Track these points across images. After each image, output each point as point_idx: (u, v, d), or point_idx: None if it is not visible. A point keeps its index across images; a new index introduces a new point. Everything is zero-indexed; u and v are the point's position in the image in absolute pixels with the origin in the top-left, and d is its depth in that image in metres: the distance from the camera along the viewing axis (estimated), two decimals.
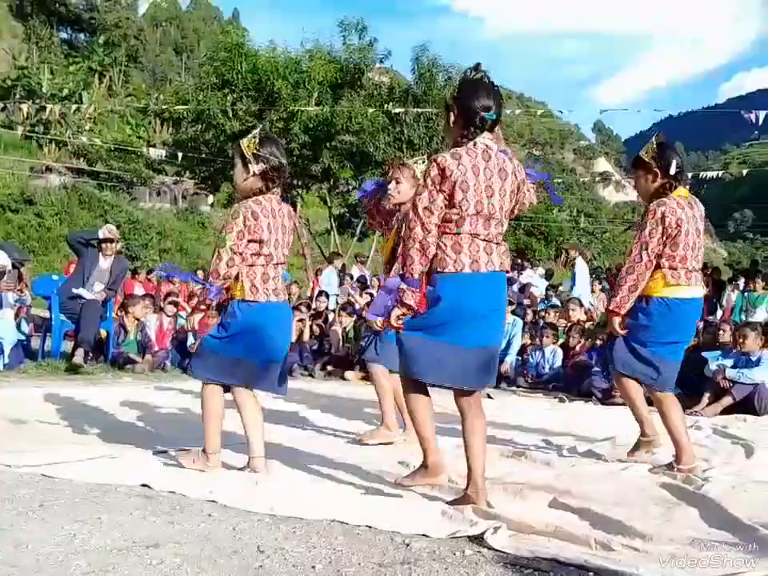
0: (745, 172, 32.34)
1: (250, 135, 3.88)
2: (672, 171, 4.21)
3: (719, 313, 12.68)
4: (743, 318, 11.33)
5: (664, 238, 4.18)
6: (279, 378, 3.96)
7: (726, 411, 6.85)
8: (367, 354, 5.16)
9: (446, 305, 3.21)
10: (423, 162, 4.92)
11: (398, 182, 4.75)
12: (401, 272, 3.28)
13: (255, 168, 3.80)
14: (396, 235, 4.70)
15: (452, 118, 3.34)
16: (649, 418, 4.59)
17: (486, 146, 3.27)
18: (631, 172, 4.49)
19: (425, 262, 3.20)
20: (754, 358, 7.17)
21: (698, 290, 4.36)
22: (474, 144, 3.25)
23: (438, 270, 3.22)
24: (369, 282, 14.59)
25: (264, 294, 3.79)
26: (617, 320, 4.34)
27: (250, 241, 3.74)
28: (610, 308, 4.37)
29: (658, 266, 4.23)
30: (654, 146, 4.27)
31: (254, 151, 3.79)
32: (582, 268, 13.65)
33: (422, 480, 3.43)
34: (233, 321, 3.80)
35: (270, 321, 3.83)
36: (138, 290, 13.20)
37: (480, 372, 3.34)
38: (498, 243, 3.32)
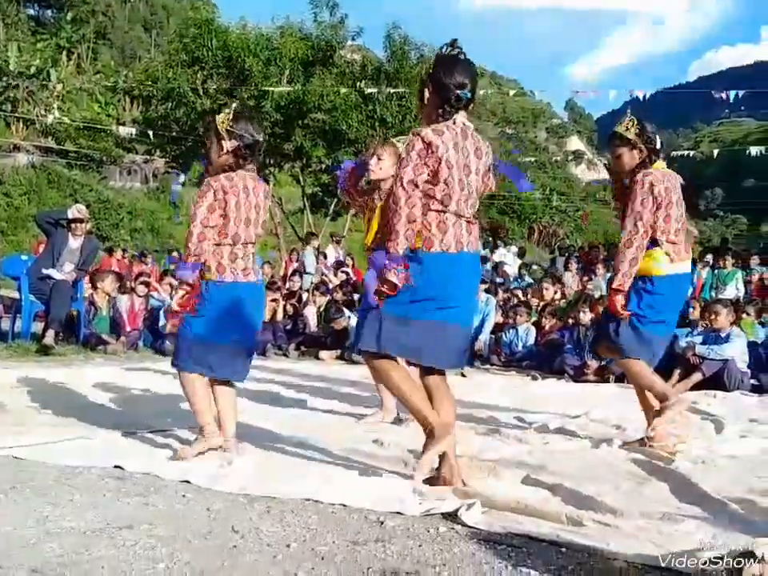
0: (716, 152, 32.43)
1: (225, 111, 3.85)
2: (657, 146, 4.20)
3: (689, 290, 12.83)
4: (713, 294, 11.48)
5: (654, 208, 4.09)
6: (243, 361, 3.92)
7: (696, 387, 6.95)
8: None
9: (432, 283, 3.16)
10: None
11: (379, 159, 4.71)
12: (385, 248, 3.15)
13: (227, 145, 3.77)
14: (382, 214, 4.66)
15: (426, 95, 3.30)
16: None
17: (464, 123, 3.26)
18: (608, 150, 4.36)
19: (411, 236, 3.13)
20: (723, 335, 7.28)
21: (689, 262, 4.38)
22: (454, 122, 3.23)
23: (424, 248, 3.17)
24: (344, 262, 14.59)
25: (231, 273, 3.76)
26: (620, 299, 4.13)
27: (220, 215, 3.70)
28: (613, 286, 4.13)
29: (655, 243, 4.13)
30: (636, 122, 4.21)
31: (228, 128, 3.77)
32: None
33: (432, 448, 3.16)
34: (204, 303, 3.74)
35: (240, 300, 3.79)
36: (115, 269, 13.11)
37: (461, 353, 3.37)
38: (474, 224, 3.32)
